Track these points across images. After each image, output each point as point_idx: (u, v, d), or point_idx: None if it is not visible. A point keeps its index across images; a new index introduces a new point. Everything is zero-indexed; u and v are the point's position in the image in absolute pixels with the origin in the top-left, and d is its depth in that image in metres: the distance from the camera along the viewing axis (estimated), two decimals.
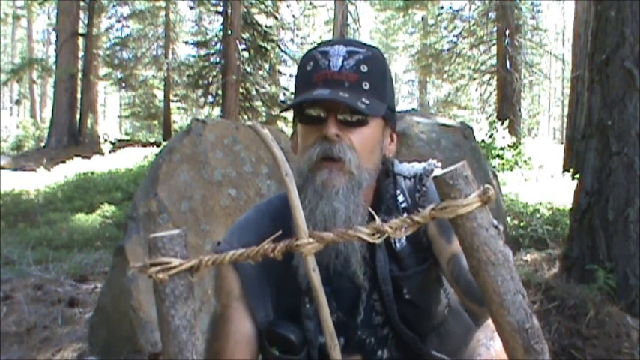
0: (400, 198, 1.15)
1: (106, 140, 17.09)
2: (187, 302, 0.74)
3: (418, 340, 1.14)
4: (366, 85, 1.05)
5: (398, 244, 1.12)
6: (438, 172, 1.15)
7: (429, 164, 1.18)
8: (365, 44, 1.12)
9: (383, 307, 1.12)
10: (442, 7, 17.79)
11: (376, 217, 0.73)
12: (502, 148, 9.14)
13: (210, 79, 16.64)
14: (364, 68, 1.06)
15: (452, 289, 1.19)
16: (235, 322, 1.10)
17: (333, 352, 0.82)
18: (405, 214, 1.13)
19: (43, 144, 16.90)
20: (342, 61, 1.05)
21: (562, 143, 12.88)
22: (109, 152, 14.89)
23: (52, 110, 16.36)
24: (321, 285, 0.80)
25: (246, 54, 15.90)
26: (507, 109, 13.75)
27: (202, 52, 17.58)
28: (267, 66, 16.69)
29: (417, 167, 1.19)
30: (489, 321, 0.96)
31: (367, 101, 1.04)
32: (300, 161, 1.08)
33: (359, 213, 1.05)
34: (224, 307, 1.12)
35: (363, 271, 1.09)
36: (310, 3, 20.99)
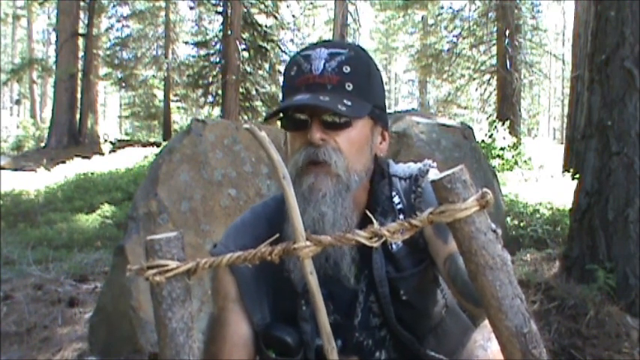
0: (396, 199, 1.15)
1: (106, 140, 17.10)
2: (184, 305, 0.74)
3: (416, 342, 1.13)
4: (349, 86, 1.05)
5: (394, 246, 1.12)
6: (434, 173, 1.14)
7: (424, 164, 1.18)
8: (348, 44, 1.12)
9: (380, 309, 1.12)
10: (442, 7, 17.79)
11: (374, 220, 0.72)
12: (502, 148, 9.13)
13: (210, 79, 16.65)
14: (346, 69, 1.05)
15: (449, 290, 1.18)
16: (232, 325, 1.10)
17: (330, 355, 0.82)
18: (401, 215, 1.13)
19: (43, 144, 16.91)
20: (324, 64, 1.05)
21: (562, 143, 12.88)
22: (109, 152, 14.89)
23: (52, 110, 16.37)
24: (318, 288, 0.80)
25: (246, 54, 15.91)
26: (507, 109, 13.75)
27: (202, 52, 17.59)
28: (267, 66, 16.69)
29: (412, 168, 1.18)
30: (487, 322, 0.96)
31: (349, 102, 1.03)
32: (289, 166, 1.07)
33: (347, 216, 1.05)
34: (221, 310, 1.12)
35: (354, 273, 1.08)
36: (310, 3, 20.99)
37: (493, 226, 0.70)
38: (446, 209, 0.68)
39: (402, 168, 1.19)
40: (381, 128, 1.14)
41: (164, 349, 0.74)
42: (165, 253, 0.73)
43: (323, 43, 1.10)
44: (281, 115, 1.09)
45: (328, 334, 0.81)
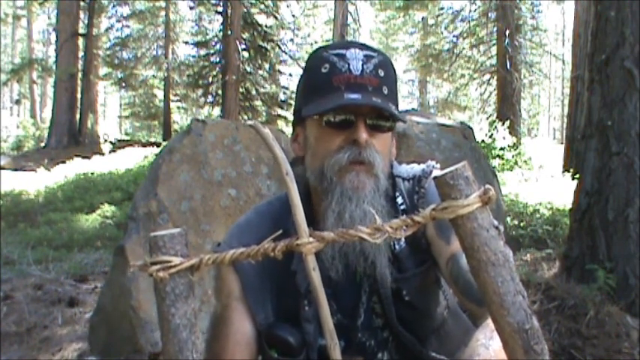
0: (399, 200, 1.15)
1: (106, 140, 17.10)
2: (187, 301, 0.74)
3: (417, 343, 1.13)
4: (385, 89, 1.06)
5: (397, 246, 1.12)
6: (438, 172, 1.15)
7: (428, 166, 1.18)
8: (373, 47, 1.12)
9: (383, 310, 1.12)
10: (442, 8, 17.78)
11: (376, 217, 0.73)
12: (502, 148, 9.14)
13: (210, 79, 16.66)
14: (381, 73, 1.06)
15: (451, 291, 1.18)
16: (235, 323, 1.10)
17: (333, 352, 0.82)
18: (404, 216, 1.14)
19: (43, 144, 16.90)
20: (362, 65, 1.05)
21: (562, 143, 12.89)
22: (109, 152, 14.89)
23: (52, 110, 16.37)
24: (321, 284, 0.80)
25: (246, 54, 15.91)
26: (507, 109, 13.76)
27: (202, 52, 17.60)
28: (267, 66, 16.69)
29: (415, 169, 1.19)
30: (488, 321, 0.96)
31: (393, 106, 1.05)
32: (319, 164, 1.07)
33: (384, 216, 1.04)
34: (224, 308, 1.12)
35: (390, 271, 1.09)
36: (311, 3, 21.00)
37: (495, 222, 0.70)
38: (448, 205, 0.68)
39: (406, 169, 1.19)
40: (394, 134, 1.16)
41: (167, 345, 0.74)
42: (169, 250, 0.73)
43: (352, 44, 1.10)
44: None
45: (331, 330, 0.81)
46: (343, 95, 1.03)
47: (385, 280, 1.09)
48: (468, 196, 0.68)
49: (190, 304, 0.74)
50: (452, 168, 0.69)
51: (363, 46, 1.09)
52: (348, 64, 1.05)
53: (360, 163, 1.04)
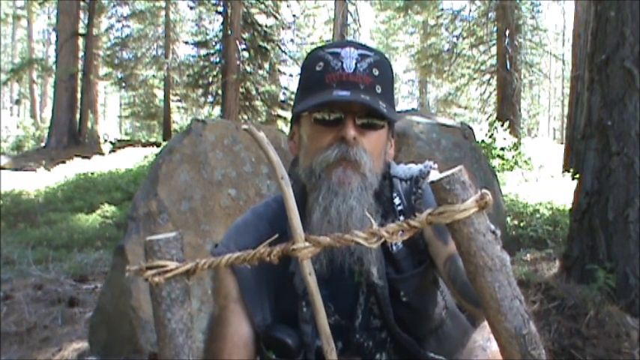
0: (396, 200, 1.15)
1: (106, 140, 17.10)
2: (184, 306, 0.74)
3: (415, 344, 1.13)
4: (378, 89, 1.06)
5: (394, 247, 1.12)
6: (434, 175, 1.15)
7: (425, 166, 1.18)
8: (371, 47, 1.13)
9: (380, 311, 1.12)
10: (442, 9, 17.76)
11: (373, 221, 0.72)
12: (502, 149, 9.13)
13: (210, 79, 16.65)
14: (376, 72, 1.06)
15: (449, 292, 1.18)
16: (233, 325, 1.10)
17: (329, 356, 0.82)
18: (401, 217, 1.13)
19: (43, 144, 16.90)
20: (355, 64, 1.05)
21: (562, 143, 12.88)
22: (109, 152, 14.90)
23: (52, 110, 16.36)
24: (317, 289, 0.80)
25: (246, 54, 15.90)
26: (507, 109, 13.75)
27: (202, 52, 17.60)
28: (267, 66, 16.68)
29: (413, 169, 1.18)
30: (486, 322, 0.96)
31: (384, 105, 1.05)
32: (310, 162, 1.07)
33: (372, 213, 1.04)
34: (222, 310, 1.12)
35: (377, 269, 1.09)
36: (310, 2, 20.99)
37: (492, 227, 0.70)
38: (445, 210, 0.68)
39: (403, 169, 1.19)
40: (391, 134, 1.16)
41: (164, 350, 0.74)
42: (165, 254, 0.73)
43: (349, 43, 1.10)
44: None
45: (327, 334, 0.81)
46: (333, 92, 1.03)
47: (383, 280, 1.09)
48: (464, 200, 0.68)
49: (186, 309, 0.74)
50: (448, 172, 0.69)
51: (359, 46, 1.09)
52: (342, 63, 1.05)
53: (348, 160, 1.04)
